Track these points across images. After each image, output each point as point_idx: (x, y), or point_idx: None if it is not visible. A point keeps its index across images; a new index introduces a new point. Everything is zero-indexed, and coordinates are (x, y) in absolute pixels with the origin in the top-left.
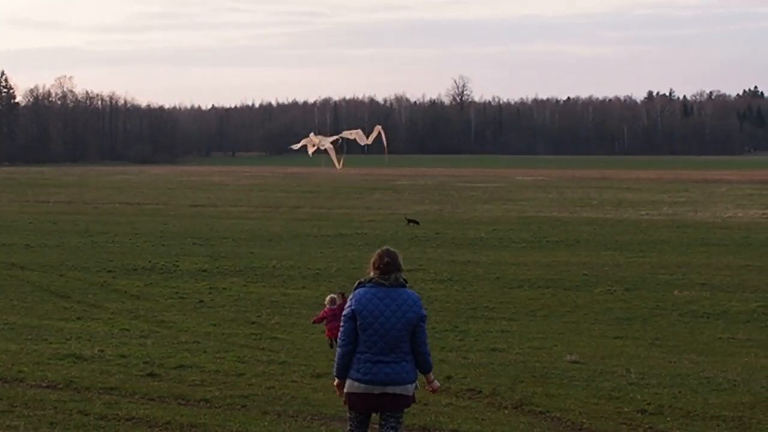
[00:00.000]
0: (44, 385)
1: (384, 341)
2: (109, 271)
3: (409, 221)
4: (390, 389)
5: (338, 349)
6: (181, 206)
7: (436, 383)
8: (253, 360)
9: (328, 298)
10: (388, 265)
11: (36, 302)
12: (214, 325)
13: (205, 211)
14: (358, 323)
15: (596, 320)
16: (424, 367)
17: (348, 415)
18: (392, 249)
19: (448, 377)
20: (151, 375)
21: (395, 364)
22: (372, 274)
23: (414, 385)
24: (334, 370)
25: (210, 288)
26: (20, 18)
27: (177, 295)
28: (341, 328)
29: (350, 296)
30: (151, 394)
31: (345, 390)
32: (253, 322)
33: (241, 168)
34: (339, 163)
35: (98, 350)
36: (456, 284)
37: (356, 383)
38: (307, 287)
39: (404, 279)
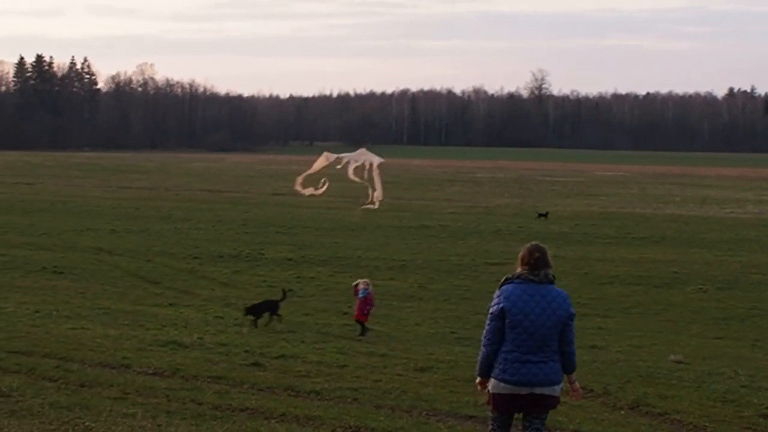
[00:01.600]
0: (151, 372)
1: (533, 339)
2: (195, 258)
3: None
4: (538, 390)
5: (483, 349)
6: (262, 194)
7: (578, 385)
8: (353, 351)
9: (362, 284)
10: (539, 261)
11: (127, 287)
12: (307, 314)
13: (286, 200)
14: (506, 321)
15: (692, 319)
16: (569, 367)
17: (490, 414)
18: (541, 244)
19: None
20: (255, 365)
21: (543, 364)
22: (520, 269)
23: (560, 386)
24: (477, 369)
25: (298, 277)
26: (102, 5)
27: (265, 284)
28: (487, 326)
29: (497, 292)
30: (259, 384)
31: (490, 390)
32: (345, 313)
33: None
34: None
35: (197, 338)
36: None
37: (502, 384)
38: (395, 278)
39: (553, 276)
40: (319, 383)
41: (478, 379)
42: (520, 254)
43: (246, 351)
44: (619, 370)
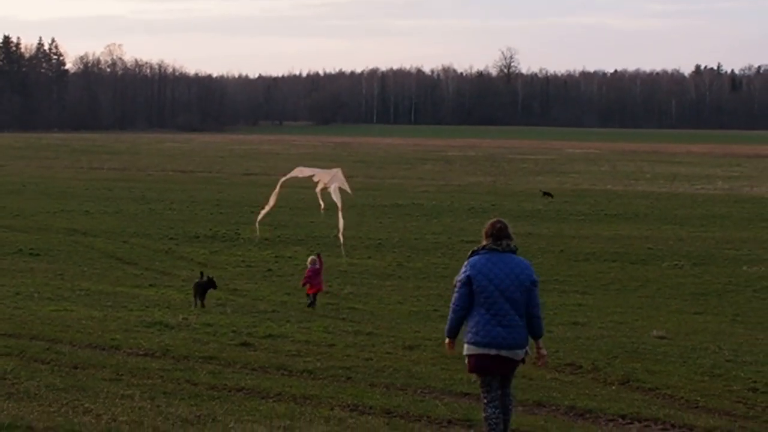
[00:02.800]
0: (141, 353)
1: (500, 303)
2: (171, 239)
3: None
4: (503, 352)
5: (451, 314)
6: (234, 174)
7: (544, 351)
8: (339, 330)
9: (309, 260)
10: (501, 231)
11: (105, 269)
12: (288, 294)
13: (259, 180)
14: (474, 287)
15: (670, 295)
16: (537, 332)
17: (478, 381)
18: (502, 219)
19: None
20: (244, 344)
21: (510, 328)
22: (485, 242)
23: (524, 350)
24: (446, 331)
25: (276, 257)
26: None
27: (244, 264)
28: (456, 294)
29: (465, 263)
30: (251, 364)
31: (464, 353)
32: (326, 292)
33: (289, 137)
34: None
35: (182, 318)
36: (521, 256)
37: (473, 346)
38: (372, 257)
39: (515, 246)
40: (310, 362)
41: (447, 340)
42: (484, 229)
43: (233, 331)
44: (604, 346)
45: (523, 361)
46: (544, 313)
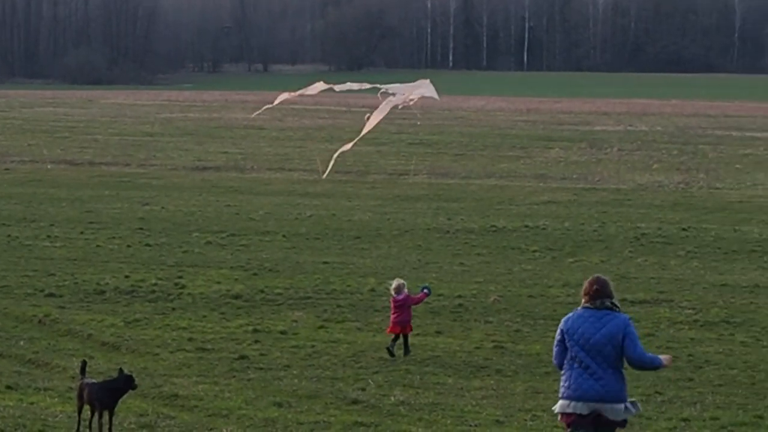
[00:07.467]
0: None
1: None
2: (50, 296)
3: None
4: (597, 406)
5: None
6: (173, 169)
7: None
8: None
9: (394, 285)
10: (597, 292)
11: None
12: (279, 405)
13: (222, 179)
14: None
15: None
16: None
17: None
18: (602, 276)
19: None
20: None
21: (602, 380)
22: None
23: (622, 406)
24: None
25: (253, 330)
26: None
27: (192, 344)
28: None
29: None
30: None
31: (556, 410)
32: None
33: (278, 94)
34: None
35: None
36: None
37: (565, 401)
38: (444, 332)
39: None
40: None
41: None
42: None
43: None
44: None
45: (623, 423)
46: None
